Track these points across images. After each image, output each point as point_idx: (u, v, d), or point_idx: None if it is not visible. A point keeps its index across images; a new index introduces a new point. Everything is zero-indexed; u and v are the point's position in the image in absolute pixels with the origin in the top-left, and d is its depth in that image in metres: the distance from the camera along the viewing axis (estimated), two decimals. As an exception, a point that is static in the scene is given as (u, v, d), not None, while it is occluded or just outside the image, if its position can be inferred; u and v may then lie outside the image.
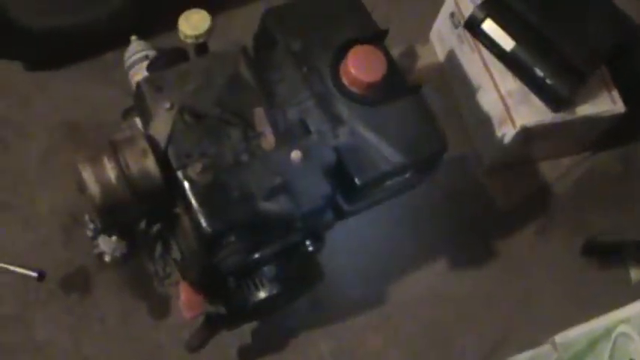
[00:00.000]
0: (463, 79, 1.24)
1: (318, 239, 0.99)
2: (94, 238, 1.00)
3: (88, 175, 0.89)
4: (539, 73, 1.14)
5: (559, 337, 0.98)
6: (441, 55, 1.32)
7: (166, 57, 1.00)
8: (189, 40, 0.99)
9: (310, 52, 0.99)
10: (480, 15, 1.16)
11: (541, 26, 1.14)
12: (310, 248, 0.98)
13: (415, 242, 1.20)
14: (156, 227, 0.98)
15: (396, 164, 0.96)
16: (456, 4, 1.25)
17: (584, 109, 1.16)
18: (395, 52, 1.02)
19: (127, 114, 1.02)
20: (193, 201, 0.88)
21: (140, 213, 0.94)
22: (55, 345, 1.09)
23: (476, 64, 1.21)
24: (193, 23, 0.99)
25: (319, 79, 0.98)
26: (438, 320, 1.16)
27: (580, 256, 1.21)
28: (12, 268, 1.10)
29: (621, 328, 0.87)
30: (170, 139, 0.90)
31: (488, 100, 1.20)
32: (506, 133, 1.17)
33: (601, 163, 1.28)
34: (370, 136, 0.96)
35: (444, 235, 1.21)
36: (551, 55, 1.14)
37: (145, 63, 1.11)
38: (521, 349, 1.07)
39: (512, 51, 1.15)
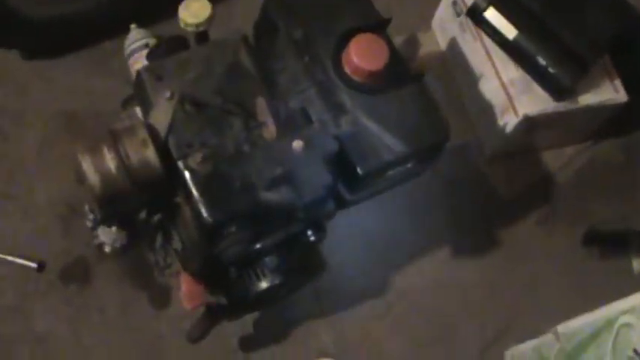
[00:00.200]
0: (465, 68, 1.23)
1: (319, 229, 0.98)
2: (94, 228, 1.00)
3: (87, 165, 0.88)
4: (542, 61, 1.13)
5: (561, 327, 0.98)
6: (442, 44, 1.31)
7: (166, 45, 0.99)
8: (189, 29, 0.98)
9: (312, 40, 0.99)
10: (483, 3, 1.15)
11: (544, 15, 1.13)
12: (312, 238, 0.97)
13: (417, 231, 1.19)
14: (156, 217, 0.98)
15: (399, 153, 0.95)
16: (458, -9, 1.24)
17: (587, 99, 1.16)
18: (397, 41, 1.02)
19: (126, 103, 1.01)
20: (194, 191, 0.88)
21: (140, 203, 0.94)
22: (54, 336, 1.08)
23: (478, 52, 1.20)
24: (194, 11, 0.98)
25: (321, 68, 0.97)
26: (440, 309, 1.16)
27: (582, 245, 1.20)
28: (11, 258, 1.09)
29: (624, 319, 0.87)
30: (170, 128, 0.90)
31: (490, 89, 1.19)
32: (509, 122, 1.16)
33: (603, 152, 1.28)
34: (372, 125, 0.95)
35: (446, 223, 1.20)
36: (553, 44, 1.13)
37: (145, 51, 1.11)
38: (523, 339, 1.07)
39: (515, 39, 1.14)
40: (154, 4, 1.20)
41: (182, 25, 0.98)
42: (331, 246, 1.04)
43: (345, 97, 0.96)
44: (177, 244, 0.98)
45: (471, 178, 1.24)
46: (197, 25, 0.98)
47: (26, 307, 1.10)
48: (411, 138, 0.96)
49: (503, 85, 1.17)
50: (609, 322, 0.89)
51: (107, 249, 0.98)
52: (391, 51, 0.97)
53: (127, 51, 1.18)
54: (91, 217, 0.96)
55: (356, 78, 0.97)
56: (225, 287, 0.99)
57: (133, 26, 1.20)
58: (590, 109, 1.17)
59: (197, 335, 1.03)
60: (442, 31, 1.31)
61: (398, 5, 1.23)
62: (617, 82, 1.17)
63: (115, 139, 0.88)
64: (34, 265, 1.10)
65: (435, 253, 1.18)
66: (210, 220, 0.87)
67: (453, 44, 1.27)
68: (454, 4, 1.25)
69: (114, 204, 0.89)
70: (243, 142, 0.90)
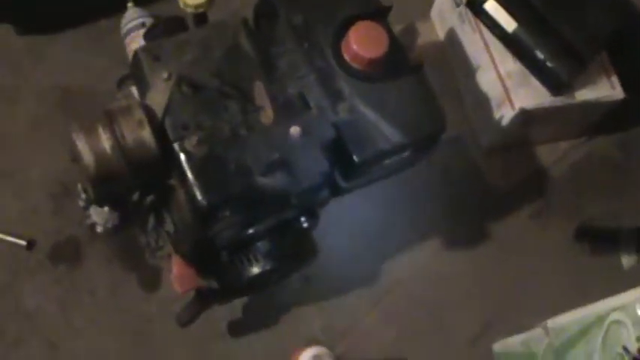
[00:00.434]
0: (463, 59, 1.23)
1: (312, 216, 0.98)
2: (86, 208, 0.99)
3: (82, 144, 0.87)
4: (540, 55, 1.13)
5: (551, 322, 0.98)
6: (441, 34, 1.30)
7: (164, 26, 0.98)
8: (188, 10, 0.97)
9: (312, 26, 0.98)
10: (483, -6, 1.15)
11: (544, 9, 1.13)
12: (305, 225, 0.97)
13: (410, 221, 1.19)
14: (149, 199, 0.97)
15: (395, 142, 0.95)
16: (458, -18, 1.23)
17: (584, 94, 1.16)
18: (395, 29, 1.01)
19: (121, 83, 1.00)
20: (189, 173, 0.87)
21: (134, 184, 0.93)
22: (44, 315, 1.08)
23: (476, 44, 1.20)
24: (193, -8, 0.97)
25: (320, 55, 0.97)
26: (430, 300, 1.15)
27: (574, 241, 1.21)
28: (1, 235, 1.09)
29: (614, 316, 0.87)
30: (167, 109, 0.89)
31: (487, 81, 1.19)
32: (505, 114, 1.16)
33: (598, 148, 1.27)
34: (370, 114, 0.95)
35: (439, 214, 1.20)
36: (552, 39, 1.13)
37: (142, 31, 1.10)
38: (513, 332, 1.07)
39: (514, 32, 1.14)
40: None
41: (181, 5, 0.97)
42: (323, 233, 1.03)
43: (344, 85, 0.95)
44: (169, 226, 0.97)
45: (466, 169, 1.23)
46: (197, 7, 0.97)
47: (15, 286, 1.09)
48: (409, 127, 0.95)
49: (500, 77, 1.16)
50: (599, 319, 0.89)
51: (99, 229, 0.97)
52: (391, 39, 0.97)
53: (124, 30, 1.17)
54: (83, 196, 0.95)
55: (355, 65, 0.96)
56: (217, 271, 0.99)
57: (130, 4, 1.19)
58: (586, 105, 1.16)
59: (187, 319, 1.03)
60: (441, 21, 1.31)
61: (397, -7, 1.23)
62: (614, 79, 1.17)
63: (110, 119, 0.88)
64: (23, 243, 1.09)
65: (427, 244, 1.18)
66: (204, 203, 0.87)
67: (452, 35, 1.26)
68: (454, -6, 1.24)
69: (108, 184, 0.89)
70: (239, 126, 0.90)
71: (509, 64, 1.17)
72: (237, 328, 1.10)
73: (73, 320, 1.08)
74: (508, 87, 1.15)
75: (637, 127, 1.29)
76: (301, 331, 1.10)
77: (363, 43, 0.95)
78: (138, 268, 1.10)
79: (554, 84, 1.13)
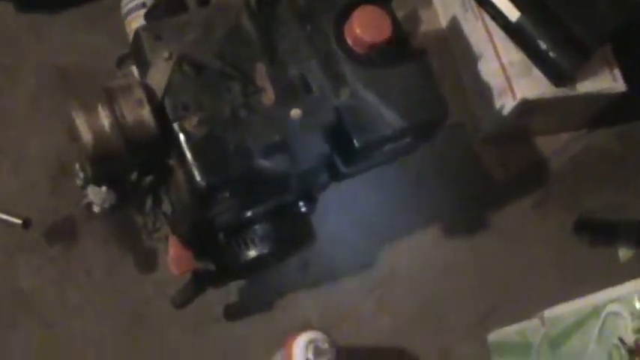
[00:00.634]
0: (465, 47, 1.23)
1: (311, 200, 0.98)
2: (84, 187, 0.98)
3: (81, 122, 0.87)
4: (543, 46, 1.12)
5: (548, 313, 0.98)
6: (443, 22, 1.30)
7: (165, 6, 0.98)
8: (191, -10, 0.97)
9: (315, 9, 0.97)
10: (487, -17, 1.14)
11: (548, -1, 1.12)
12: (303, 209, 0.97)
13: (408, 209, 1.19)
14: (148, 179, 0.97)
15: (397, 128, 0.94)
16: (462, -31, 1.23)
17: (585, 86, 1.15)
18: (397, 16, 1.00)
19: (121, 62, 1.00)
20: (188, 154, 0.87)
21: (133, 164, 0.93)
22: (39, 294, 1.07)
23: (479, 32, 1.19)
24: (196, -28, 0.96)
25: (323, 38, 0.96)
26: (428, 288, 1.15)
27: (573, 232, 1.20)
28: (-4, 214, 1.08)
29: (611, 307, 0.87)
30: (167, 89, 0.88)
31: (489, 70, 1.19)
32: (506, 104, 1.16)
33: (599, 140, 1.27)
34: (372, 98, 0.94)
35: (438, 203, 1.20)
36: (556, 29, 1.12)
37: (142, 11, 1.09)
38: (509, 322, 1.07)
39: (518, 22, 1.13)
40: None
41: (183, -15, 0.97)
42: (322, 219, 1.03)
43: (346, 69, 0.95)
44: (167, 207, 0.97)
45: (466, 158, 1.23)
46: (199, -13, 0.96)
47: (10, 265, 1.08)
48: (410, 113, 0.95)
49: (502, 66, 1.16)
50: (596, 310, 0.89)
51: (96, 209, 0.96)
52: (395, 24, 0.96)
53: (124, 10, 1.16)
54: (81, 175, 0.94)
55: (357, 49, 0.95)
56: (214, 253, 0.99)
57: (131, -15, 1.18)
58: (588, 97, 1.16)
59: (182, 301, 1.03)
60: (444, 8, 1.30)
61: (400, -22, 1.22)
62: (617, 72, 1.17)
63: (110, 98, 0.87)
64: (19, 221, 1.08)
65: (426, 232, 1.18)
66: (203, 184, 0.86)
67: (454, 23, 1.26)
68: (457, -19, 1.24)
69: (106, 163, 0.88)
70: (240, 107, 0.89)
71: (511, 53, 1.16)
72: (233, 312, 1.10)
73: (68, 300, 1.07)
74: (510, 76, 1.15)
75: (638, 120, 1.28)
76: (297, 316, 1.10)
77: (366, 27, 0.94)
78: (134, 249, 1.10)
79: (557, 75, 1.13)
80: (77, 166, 0.95)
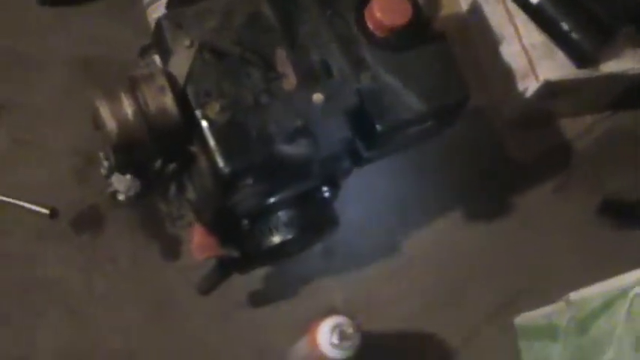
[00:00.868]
0: (486, 30, 1.22)
1: (334, 186, 0.98)
2: (108, 176, 0.99)
3: (105, 111, 0.88)
4: (565, 27, 1.12)
5: (574, 295, 0.98)
6: (464, 5, 1.29)
7: (185, -5, 0.98)
8: (211, -22, 0.97)
9: (335, -7, 0.97)
10: (508, -36, 1.14)
11: (570, -21, 1.12)
12: (326, 194, 0.97)
13: (431, 193, 1.19)
14: (171, 167, 0.97)
15: (417, 111, 0.94)
16: (483, -48, 1.22)
17: (609, 66, 1.14)
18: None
19: (144, 52, 1.00)
20: (211, 141, 0.87)
21: (156, 151, 0.93)
22: (66, 283, 1.08)
23: (500, 15, 1.19)
24: (216, -40, 0.96)
25: (343, 22, 0.96)
26: (452, 272, 1.15)
27: (596, 215, 1.20)
28: (24, 204, 1.09)
29: (639, 289, 0.87)
30: (189, 77, 0.89)
31: (510, 53, 1.18)
32: (529, 86, 1.15)
33: (623, 122, 1.26)
34: (393, 82, 0.94)
35: (460, 187, 1.20)
36: (578, 10, 1.11)
37: (164, 0, 1.09)
38: (534, 305, 1.07)
39: (539, 3, 1.13)
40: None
41: (203, -27, 0.97)
42: (345, 206, 1.03)
43: (367, 53, 0.95)
44: (190, 194, 0.98)
45: (488, 142, 1.23)
46: (219, -25, 0.96)
47: (38, 254, 1.09)
48: (431, 96, 0.95)
49: (524, 49, 1.15)
50: (623, 292, 0.89)
51: (121, 197, 0.97)
52: (415, 8, 0.96)
53: (146, 0, 1.17)
54: (105, 164, 0.95)
55: (378, 34, 0.95)
56: (238, 240, 0.99)
57: (152, -25, 1.19)
58: (611, 78, 1.15)
59: (207, 287, 1.03)
60: (464, -8, 1.29)
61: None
62: (641, 51, 1.16)
63: (133, 86, 0.88)
64: (46, 211, 1.09)
65: (448, 217, 1.18)
66: (226, 170, 0.87)
67: (475, 6, 1.25)
68: (478, -36, 1.23)
69: (130, 151, 0.89)
70: (262, 93, 0.90)
71: (533, 35, 1.15)
72: (257, 299, 1.11)
73: (95, 288, 1.09)
74: (532, 59, 1.14)
75: (663, 101, 1.27)
76: (322, 302, 1.10)
77: (386, 11, 0.94)
78: (159, 237, 1.11)
79: (579, 56, 1.12)
80: (102, 154, 0.95)
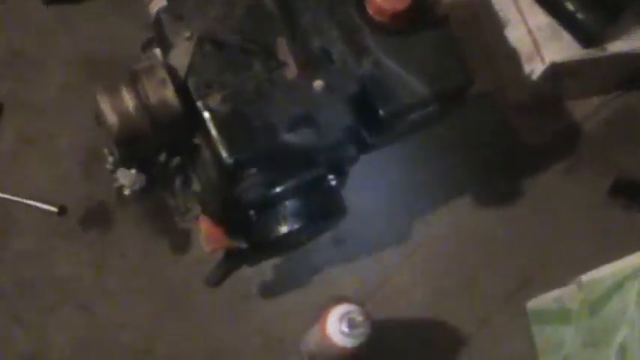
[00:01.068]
0: (492, 13, 1.21)
1: (341, 174, 0.97)
2: (114, 171, 0.99)
3: (106, 105, 0.88)
4: (570, 7, 1.11)
5: (585, 277, 0.97)
6: (468, -11, 1.28)
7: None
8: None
9: (334, -20, 0.97)
10: (511, -54, 1.13)
11: (574, -41, 1.10)
12: (333, 182, 0.97)
13: (440, 179, 1.18)
14: (176, 160, 0.97)
15: (420, 96, 0.94)
16: None
17: (616, 46, 1.13)
18: (421, -17, 1.00)
19: (146, 46, 1.01)
20: (213, 131, 0.87)
21: (159, 144, 0.93)
22: (76, 280, 1.09)
23: (505, -3, 1.18)
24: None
25: (343, 9, 0.95)
26: (462, 258, 1.15)
27: (607, 196, 1.19)
28: (32, 203, 1.10)
29: (649, 269, 0.86)
30: (190, 68, 0.89)
31: (516, 35, 1.17)
32: (535, 68, 1.14)
33: (632, 102, 1.25)
34: (395, 67, 0.94)
35: (469, 172, 1.19)
36: (583, -11, 1.11)
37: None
38: (546, 289, 1.06)
39: (543, -16, 1.12)
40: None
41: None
42: (353, 192, 1.03)
43: (368, 38, 0.94)
44: (196, 186, 0.98)
45: (496, 125, 1.22)
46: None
47: (48, 252, 1.10)
48: (433, 81, 0.94)
49: (529, 31, 1.15)
50: (634, 273, 0.88)
51: (127, 192, 0.97)
52: (415, -8, 0.95)
53: (147, -5, 1.17)
54: (110, 159, 0.95)
55: (379, 19, 0.95)
56: (245, 231, 0.99)
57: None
58: (618, 57, 1.14)
59: (216, 279, 1.03)
60: (468, -25, 1.28)
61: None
62: (648, 30, 1.15)
63: (133, 79, 0.88)
64: (54, 209, 1.10)
65: (458, 201, 1.17)
66: (230, 160, 0.87)
67: (480, -11, 1.24)
68: (481, -53, 1.22)
69: (133, 144, 0.89)
70: (263, 83, 0.90)
71: (538, 17, 1.14)
72: (267, 289, 1.11)
73: (105, 284, 1.09)
74: (538, 41, 1.13)
75: (672, 80, 1.26)
76: (332, 291, 1.10)
77: (386, -4, 0.94)
78: (167, 231, 1.11)
79: (585, 36, 1.11)
80: (106, 150, 0.96)
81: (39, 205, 1.10)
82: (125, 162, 0.95)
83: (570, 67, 1.14)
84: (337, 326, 0.92)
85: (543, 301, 1.08)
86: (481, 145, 1.21)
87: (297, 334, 1.05)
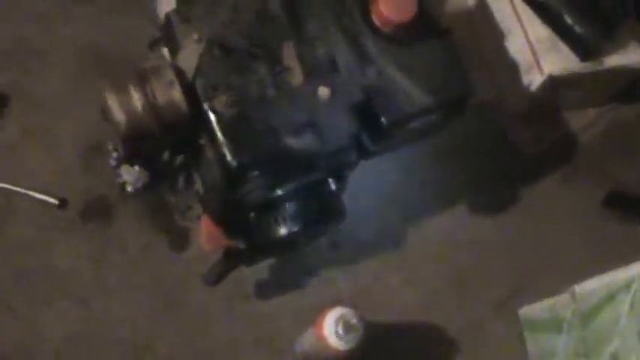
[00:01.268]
0: (491, 25, 1.22)
1: (341, 178, 0.99)
2: (117, 167, 1.00)
3: (114, 103, 0.89)
4: (569, 20, 1.12)
5: (578, 288, 0.98)
6: (470, 0, 1.29)
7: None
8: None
9: (342, -12, 0.98)
10: (513, -41, 1.14)
11: (573, -27, 1.12)
12: (333, 187, 0.98)
13: (437, 186, 1.19)
14: (179, 159, 0.98)
15: (423, 105, 0.95)
16: (489, -55, 1.22)
17: (613, 60, 1.15)
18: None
19: (153, 45, 1.01)
20: (219, 133, 0.89)
21: (164, 143, 0.94)
22: (75, 273, 1.09)
23: (505, 9, 1.19)
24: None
25: (350, 18, 0.97)
26: (456, 263, 1.16)
27: (602, 207, 1.20)
28: (33, 194, 1.10)
29: (642, 281, 0.88)
30: (197, 71, 0.90)
31: (516, 47, 1.18)
32: (533, 80, 1.15)
33: (628, 115, 1.26)
34: (398, 76, 0.95)
35: (466, 179, 1.20)
36: (581, 3, 1.12)
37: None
38: (539, 296, 1.07)
39: (544, -3, 1.13)
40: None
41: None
42: (350, 197, 1.04)
43: (372, 47, 0.96)
44: (198, 186, 0.99)
45: (494, 135, 1.23)
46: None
47: (48, 244, 1.10)
48: (436, 91, 0.96)
49: (529, 43, 1.16)
50: (626, 285, 0.90)
51: (129, 188, 0.98)
52: (420, 3, 0.96)
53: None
54: (114, 155, 0.96)
55: (384, 28, 0.96)
56: (245, 232, 1.00)
57: (161, -33, 1.19)
58: (615, 71, 1.16)
59: (214, 279, 1.05)
60: (470, -14, 1.30)
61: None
62: (645, 45, 1.16)
63: (142, 79, 0.89)
64: (55, 201, 1.10)
65: (454, 208, 1.19)
66: (233, 162, 0.88)
67: (481, 0, 1.25)
68: (484, -42, 1.23)
69: (138, 143, 0.90)
70: (269, 87, 0.91)
71: (538, 29, 1.16)
72: (264, 290, 1.12)
73: (104, 278, 1.10)
74: (537, 52, 1.15)
75: (667, 94, 1.28)
76: (327, 293, 1.12)
77: (391, 6, 0.95)
78: (167, 228, 1.12)
79: (583, 49, 1.13)
80: (110, 146, 0.96)
81: (40, 196, 1.10)
82: (129, 158, 0.96)
83: (568, 79, 1.15)
84: (333, 329, 0.94)
85: (536, 309, 1.10)
86: (479, 153, 1.22)
87: (291, 334, 1.06)
